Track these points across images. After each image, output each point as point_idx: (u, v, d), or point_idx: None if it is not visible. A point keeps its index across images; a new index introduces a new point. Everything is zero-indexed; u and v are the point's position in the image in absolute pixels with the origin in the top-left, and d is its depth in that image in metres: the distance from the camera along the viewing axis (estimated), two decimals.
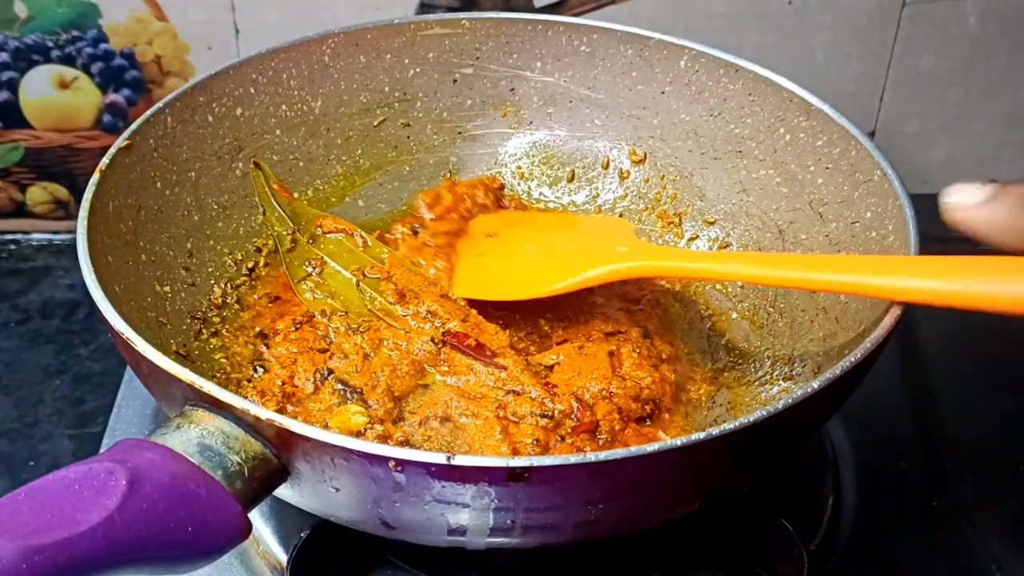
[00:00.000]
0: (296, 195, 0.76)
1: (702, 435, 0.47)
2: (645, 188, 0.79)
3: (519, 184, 0.81)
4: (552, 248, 0.73)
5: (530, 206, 0.81)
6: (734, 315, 0.72)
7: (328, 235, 0.74)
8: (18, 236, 0.94)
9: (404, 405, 0.64)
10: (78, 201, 0.60)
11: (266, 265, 0.73)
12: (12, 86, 0.87)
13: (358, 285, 0.71)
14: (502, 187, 0.79)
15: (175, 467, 0.46)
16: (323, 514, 0.56)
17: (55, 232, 0.94)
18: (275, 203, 0.74)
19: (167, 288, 0.67)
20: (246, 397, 0.57)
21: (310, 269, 0.72)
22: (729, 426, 0.47)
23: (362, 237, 0.74)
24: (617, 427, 0.62)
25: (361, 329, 0.68)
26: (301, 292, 0.71)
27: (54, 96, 0.88)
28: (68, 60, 0.86)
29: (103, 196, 0.62)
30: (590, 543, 0.59)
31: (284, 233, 0.74)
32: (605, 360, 0.65)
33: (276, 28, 0.84)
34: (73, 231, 0.59)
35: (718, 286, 0.74)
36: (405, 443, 0.60)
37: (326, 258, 0.73)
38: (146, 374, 0.53)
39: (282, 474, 0.49)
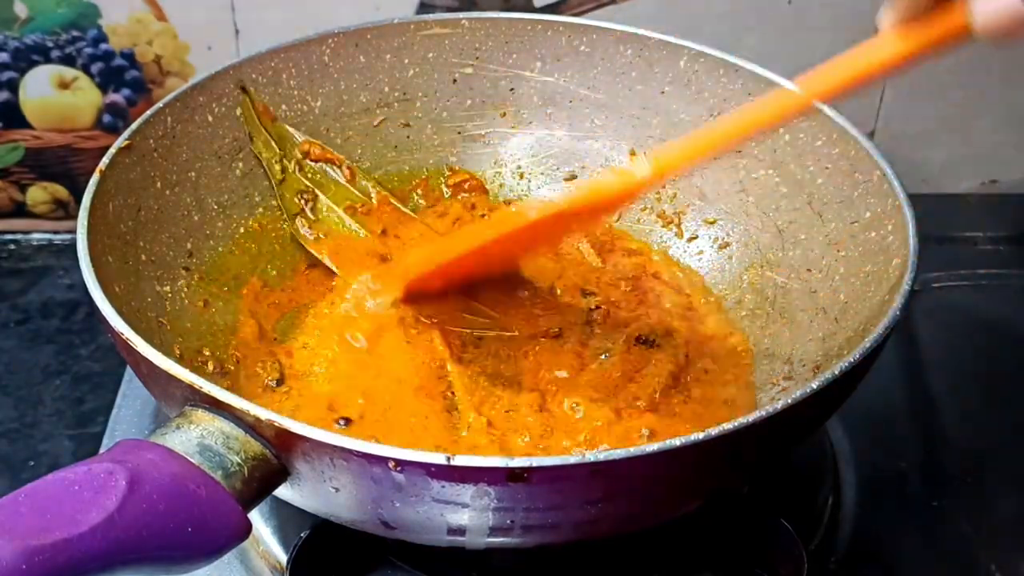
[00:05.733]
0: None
1: (701, 435, 0.47)
2: None
3: (518, 184, 0.82)
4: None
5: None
6: (733, 315, 0.72)
7: (314, 163, 0.74)
8: (18, 236, 0.94)
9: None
10: (78, 201, 0.60)
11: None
12: (12, 86, 0.87)
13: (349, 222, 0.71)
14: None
15: (175, 467, 0.46)
16: (323, 514, 0.56)
17: (55, 232, 0.94)
18: (260, 125, 0.73)
19: (167, 288, 0.67)
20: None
21: (302, 202, 0.72)
22: (728, 426, 0.47)
23: (349, 168, 0.73)
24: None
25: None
26: (297, 231, 0.71)
27: (54, 96, 0.88)
28: (68, 60, 0.86)
29: (103, 196, 0.62)
30: (590, 543, 0.59)
31: (272, 160, 0.73)
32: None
33: (276, 28, 0.84)
34: (73, 231, 0.59)
35: (718, 283, 0.74)
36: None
37: (316, 190, 0.72)
38: (146, 374, 0.53)
39: (282, 474, 0.49)
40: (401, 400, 0.63)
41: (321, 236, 0.71)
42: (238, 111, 0.72)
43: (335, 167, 0.74)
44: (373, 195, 0.72)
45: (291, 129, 0.75)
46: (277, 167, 0.73)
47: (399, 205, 0.71)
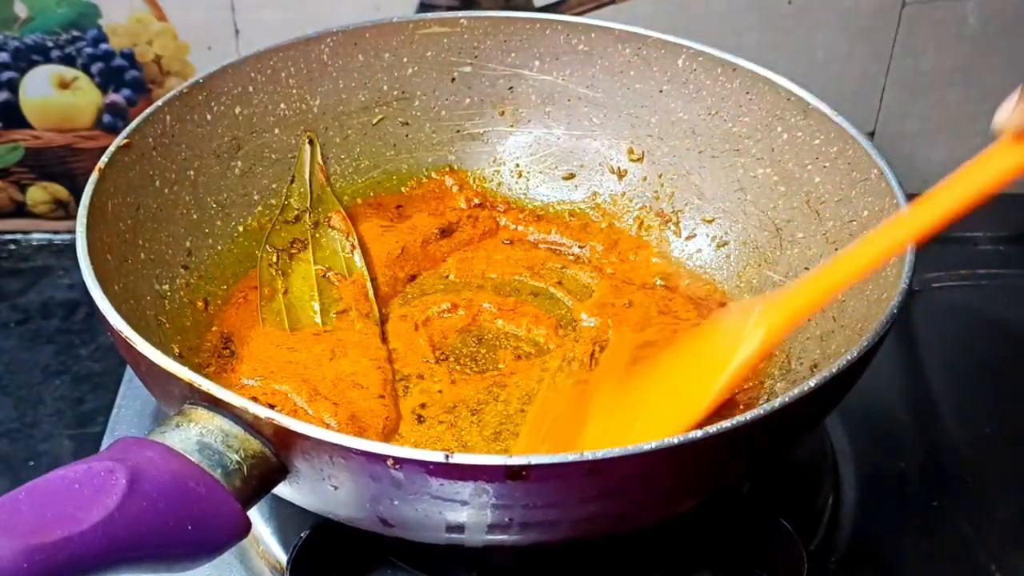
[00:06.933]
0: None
1: (699, 433, 0.47)
2: (643, 186, 0.79)
3: (517, 182, 0.82)
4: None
5: (527, 204, 0.81)
6: None
7: (329, 228, 0.74)
8: (18, 236, 0.94)
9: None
10: (78, 201, 0.61)
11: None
12: (12, 86, 0.87)
13: (318, 284, 0.71)
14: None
15: (175, 465, 0.46)
16: (322, 512, 0.56)
17: (55, 232, 0.94)
18: (307, 180, 0.74)
19: (166, 287, 0.67)
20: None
21: (289, 247, 0.72)
22: (726, 424, 0.47)
23: (352, 244, 0.74)
24: None
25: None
26: (264, 258, 0.71)
27: (54, 96, 0.88)
28: (68, 60, 0.86)
29: (102, 195, 0.62)
30: (590, 542, 0.59)
31: (294, 206, 0.74)
32: None
33: (276, 28, 0.84)
34: (73, 231, 0.59)
35: (716, 282, 0.74)
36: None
37: (310, 244, 0.73)
38: (145, 373, 0.54)
39: (281, 472, 0.50)
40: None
41: (280, 291, 0.71)
42: (297, 152, 0.75)
43: (344, 236, 0.74)
44: (354, 272, 0.72)
45: (333, 195, 0.76)
46: (294, 213, 0.74)
47: (370, 292, 0.71)
